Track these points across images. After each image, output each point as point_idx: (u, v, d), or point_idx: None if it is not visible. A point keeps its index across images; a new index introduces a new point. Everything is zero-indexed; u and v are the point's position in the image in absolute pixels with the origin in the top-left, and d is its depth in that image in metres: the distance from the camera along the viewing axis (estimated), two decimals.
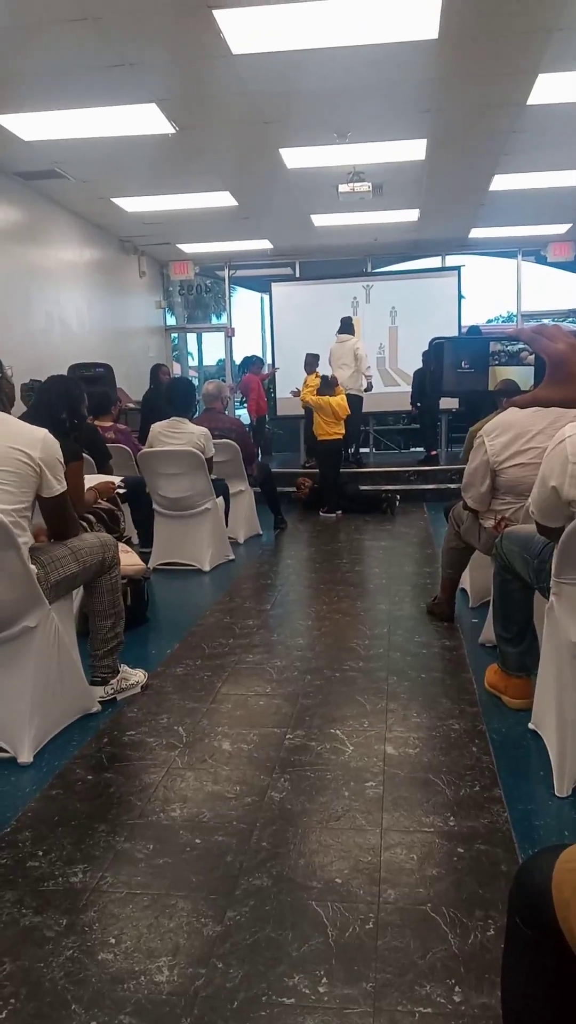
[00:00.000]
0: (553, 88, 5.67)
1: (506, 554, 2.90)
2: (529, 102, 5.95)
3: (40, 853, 2.14)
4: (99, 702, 3.06)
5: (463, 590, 4.36)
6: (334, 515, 7.61)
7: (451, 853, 2.09)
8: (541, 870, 0.98)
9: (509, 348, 1.15)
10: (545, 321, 12.85)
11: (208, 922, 1.85)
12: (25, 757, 2.63)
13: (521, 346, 1.15)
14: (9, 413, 2.75)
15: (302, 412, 9.76)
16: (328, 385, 8.08)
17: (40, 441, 2.64)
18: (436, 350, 1.18)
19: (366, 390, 9.54)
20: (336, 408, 7.83)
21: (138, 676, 3.27)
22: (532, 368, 1.15)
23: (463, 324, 11.47)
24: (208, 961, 1.72)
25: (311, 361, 9.54)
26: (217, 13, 4.44)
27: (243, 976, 1.67)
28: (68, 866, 2.08)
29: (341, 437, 7.95)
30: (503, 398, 1.11)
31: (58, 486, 2.71)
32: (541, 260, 11.89)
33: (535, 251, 11.74)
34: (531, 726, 2.76)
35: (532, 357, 1.15)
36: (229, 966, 1.71)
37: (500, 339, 1.16)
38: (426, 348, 9.72)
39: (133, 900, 1.94)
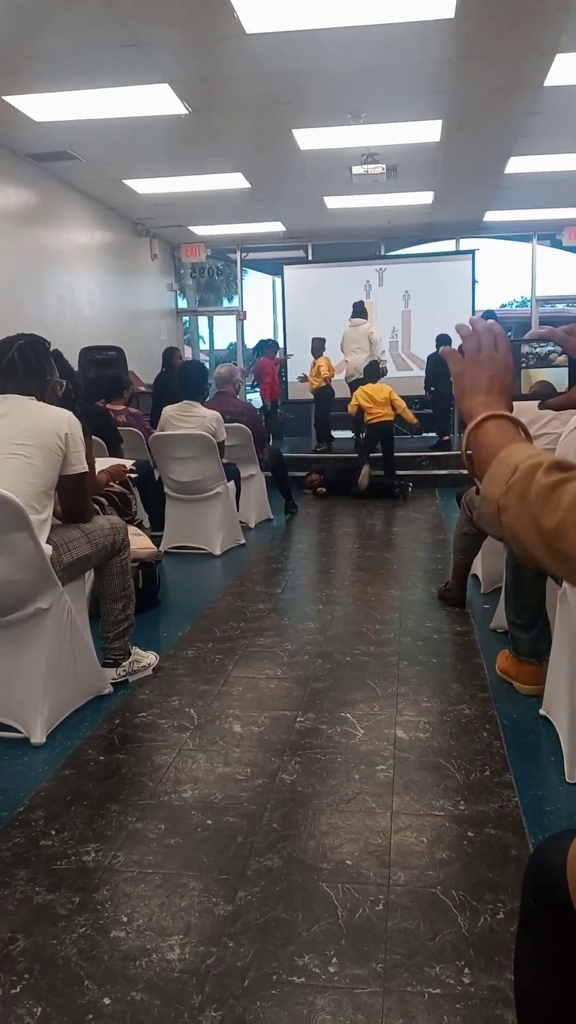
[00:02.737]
0: (571, 69, 5.59)
1: None
2: (546, 83, 5.86)
3: (53, 832, 2.16)
4: (111, 684, 3.08)
5: (475, 576, 4.36)
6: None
7: (461, 837, 2.10)
8: (556, 852, 0.98)
9: (538, 350, 1.13)
10: (560, 305, 12.74)
11: (219, 902, 1.86)
12: (38, 738, 2.65)
13: (551, 347, 1.13)
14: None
15: (312, 397, 9.79)
16: (374, 373, 8.43)
17: (66, 419, 2.72)
18: (433, 365, 1.15)
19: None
20: (372, 395, 8.15)
21: (150, 658, 3.29)
22: (566, 369, 1.13)
23: (477, 308, 11.38)
24: (219, 940, 1.74)
25: (318, 345, 9.55)
26: None
27: (254, 955, 1.69)
28: (81, 845, 2.10)
29: (391, 418, 8.21)
30: (538, 401, 1.09)
31: (80, 465, 2.75)
32: (556, 244, 11.77)
33: (551, 235, 11.63)
34: (542, 712, 2.76)
35: (563, 358, 1.12)
36: (240, 945, 1.72)
37: (529, 341, 1.14)
38: (440, 333, 9.71)
39: (145, 879, 1.95)
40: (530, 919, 1.03)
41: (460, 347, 1.10)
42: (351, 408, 8.44)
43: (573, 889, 0.93)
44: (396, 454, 8.37)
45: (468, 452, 1.01)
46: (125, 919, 1.81)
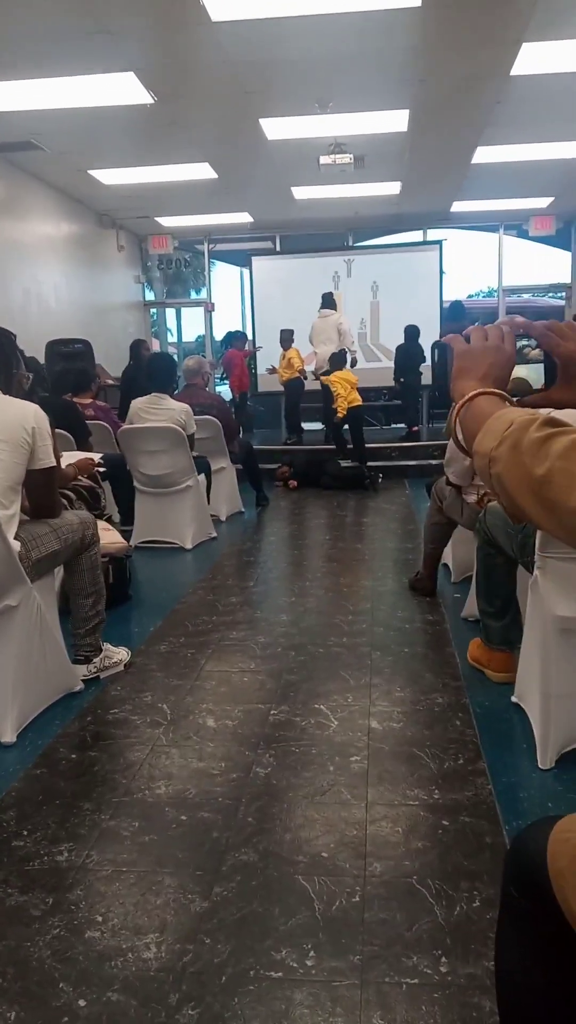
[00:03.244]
0: (537, 58, 5.61)
1: (490, 528, 2.90)
2: (513, 72, 5.88)
3: (25, 832, 2.13)
4: (82, 680, 3.04)
5: (445, 565, 4.37)
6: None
7: (436, 826, 2.11)
8: (536, 840, 0.98)
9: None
10: (526, 295, 12.84)
11: (195, 898, 1.85)
12: (8, 737, 2.61)
13: (526, 342, 1.13)
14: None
15: (282, 389, 9.75)
16: (339, 361, 8.65)
17: (33, 412, 2.68)
18: (440, 352, 1.15)
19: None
20: (346, 382, 8.42)
21: (121, 654, 3.25)
22: (543, 366, 1.13)
23: (444, 299, 11.43)
24: (196, 937, 1.72)
25: (286, 337, 9.51)
26: None
27: (231, 951, 1.68)
28: (53, 845, 2.07)
29: (361, 403, 8.60)
30: (515, 398, 1.09)
31: (47, 459, 2.71)
32: (523, 234, 11.85)
33: (517, 225, 11.70)
34: (514, 699, 2.77)
35: (536, 352, 1.13)
36: (217, 941, 1.71)
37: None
38: (408, 324, 9.73)
39: (119, 878, 1.93)
40: (510, 906, 1.03)
41: (465, 334, 1.11)
42: (329, 381, 8.61)
43: (553, 876, 0.93)
44: (366, 446, 8.42)
45: (455, 423, 1.05)
46: (100, 919, 1.79)
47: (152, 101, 6.24)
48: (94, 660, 3.11)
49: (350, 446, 8.49)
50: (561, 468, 0.82)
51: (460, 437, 1.06)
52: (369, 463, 8.17)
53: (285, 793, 2.30)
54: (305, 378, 9.34)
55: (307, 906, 1.81)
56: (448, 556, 4.31)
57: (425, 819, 2.14)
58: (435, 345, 1.17)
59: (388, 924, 1.74)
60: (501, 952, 1.09)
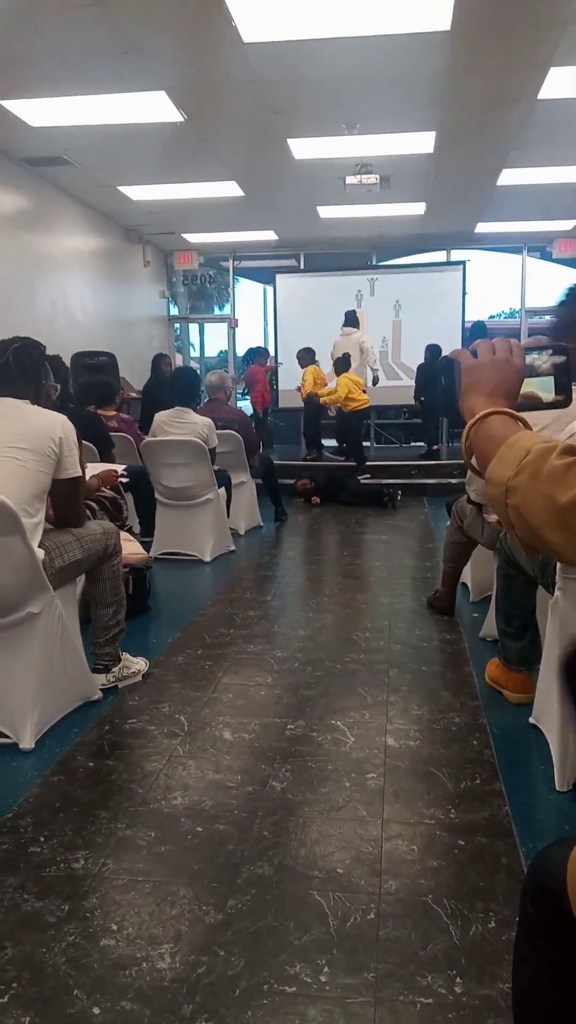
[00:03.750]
0: (565, 82, 5.63)
1: (510, 548, 2.89)
2: (540, 96, 5.91)
3: (42, 839, 2.15)
4: (101, 690, 3.06)
5: (464, 584, 4.36)
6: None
7: (452, 845, 2.10)
8: (556, 861, 0.98)
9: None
10: (548, 317, 12.81)
11: (209, 910, 1.85)
12: (27, 743, 2.63)
13: (535, 355, 1.12)
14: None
15: (302, 405, 9.80)
16: (344, 364, 8.88)
17: (61, 423, 2.72)
18: (446, 368, 1.12)
19: (372, 384, 9.53)
20: (351, 382, 8.77)
21: (139, 664, 3.27)
22: (552, 378, 1.12)
23: (467, 319, 11.45)
24: (210, 949, 1.73)
25: (303, 356, 9.53)
26: (228, 0, 4.41)
27: (245, 964, 1.68)
28: (69, 852, 2.08)
29: (367, 405, 8.95)
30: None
31: (73, 470, 2.74)
32: (547, 256, 11.85)
33: (541, 247, 11.71)
34: (532, 720, 2.76)
35: (547, 365, 1.12)
36: (231, 954, 1.71)
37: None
38: (430, 342, 9.74)
39: (135, 887, 1.94)
40: (529, 926, 1.03)
41: (471, 349, 1.10)
42: (328, 399, 8.95)
43: (573, 896, 0.93)
44: (386, 463, 8.47)
45: (467, 444, 1.03)
46: (115, 927, 1.80)
47: (182, 119, 6.33)
48: (113, 670, 3.13)
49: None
50: None
51: (472, 458, 1.05)
52: (388, 480, 8.18)
53: (301, 808, 2.30)
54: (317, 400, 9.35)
55: (322, 921, 1.80)
56: (467, 575, 4.30)
57: (441, 838, 2.14)
58: (442, 360, 1.15)
59: (403, 942, 1.74)
60: (518, 972, 1.09)
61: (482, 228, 10.86)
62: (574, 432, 2.18)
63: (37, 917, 1.83)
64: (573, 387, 1.15)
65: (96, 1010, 1.56)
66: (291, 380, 10.61)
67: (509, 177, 8.22)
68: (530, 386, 1.11)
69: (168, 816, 2.26)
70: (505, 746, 2.67)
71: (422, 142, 7.07)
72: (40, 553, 2.65)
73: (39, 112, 6.13)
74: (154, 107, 6.04)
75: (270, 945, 1.73)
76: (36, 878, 1.98)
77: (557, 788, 2.37)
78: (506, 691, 3.04)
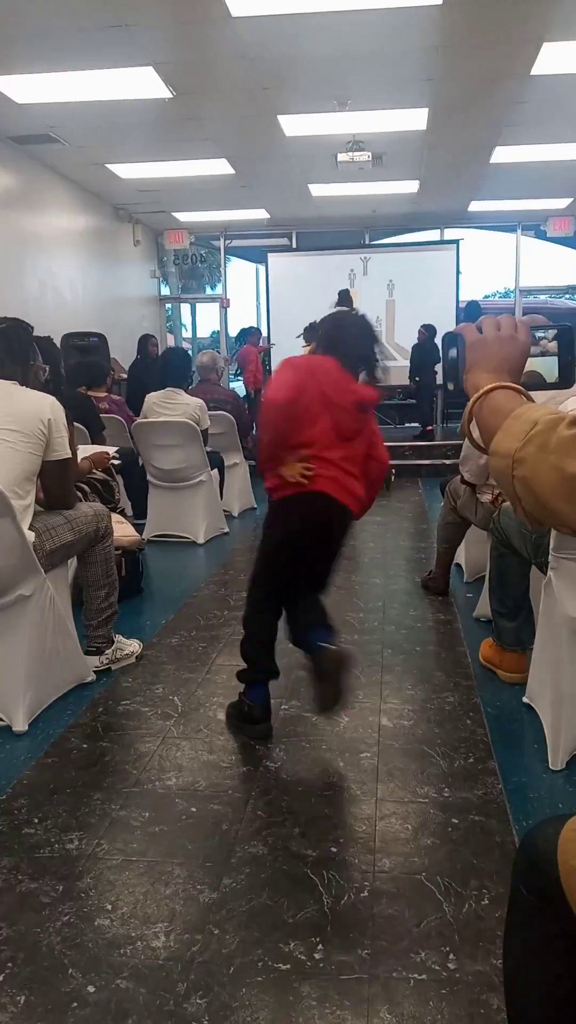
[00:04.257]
0: (558, 58, 5.57)
1: (504, 528, 2.89)
2: (533, 72, 5.84)
3: (36, 820, 2.15)
4: (94, 672, 3.06)
5: (458, 565, 4.37)
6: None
7: (445, 824, 2.11)
8: (547, 838, 0.98)
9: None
10: (543, 297, 12.78)
11: (204, 889, 1.86)
12: (20, 725, 2.63)
13: (540, 334, 1.11)
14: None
15: None
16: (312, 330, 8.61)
17: (50, 404, 2.70)
18: (450, 343, 1.12)
19: None
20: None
21: (133, 646, 3.27)
22: (556, 358, 1.11)
23: (461, 299, 11.39)
24: (204, 927, 1.73)
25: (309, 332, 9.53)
26: None
27: (239, 942, 1.68)
28: (64, 833, 2.09)
29: None
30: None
31: (63, 451, 2.72)
32: (541, 235, 11.79)
33: (535, 226, 11.64)
34: (525, 700, 2.77)
35: (552, 344, 1.11)
36: (225, 932, 1.72)
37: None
38: (424, 323, 9.70)
39: (129, 867, 1.94)
40: (519, 904, 1.03)
41: (477, 325, 1.09)
42: None
43: (564, 874, 0.93)
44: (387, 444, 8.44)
45: (471, 418, 1.03)
46: (109, 907, 1.80)
47: (171, 96, 6.24)
48: (106, 652, 3.13)
49: None
50: None
51: (475, 434, 1.04)
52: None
53: (295, 787, 2.30)
54: None
55: (316, 900, 1.81)
56: (461, 555, 4.30)
57: (435, 816, 2.14)
58: (447, 336, 1.15)
59: (396, 920, 1.75)
60: (510, 950, 1.09)
61: (476, 206, 10.79)
62: (570, 410, 2.17)
63: (32, 898, 1.84)
64: None
65: (91, 988, 1.56)
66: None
67: (503, 155, 8.16)
68: (533, 365, 1.10)
69: (162, 797, 2.26)
70: (499, 725, 2.67)
71: (415, 119, 7.00)
72: (31, 535, 2.63)
73: (25, 89, 6.04)
74: (142, 83, 5.96)
75: (264, 923, 1.74)
76: (30, 859, 1.98)
77: (550, 767, 2.38)
78: (500, 671, 3.05)
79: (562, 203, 10.55)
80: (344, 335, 2.63)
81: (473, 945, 1.66)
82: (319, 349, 2.71)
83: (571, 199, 10.32)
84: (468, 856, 1.96)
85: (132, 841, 2.05)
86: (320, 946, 1.67)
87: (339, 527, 2.67)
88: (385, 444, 2.80)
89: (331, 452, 2.53)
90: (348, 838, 2.05)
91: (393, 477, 7.79)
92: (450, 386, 1.14)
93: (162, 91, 6.14)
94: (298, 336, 9.71)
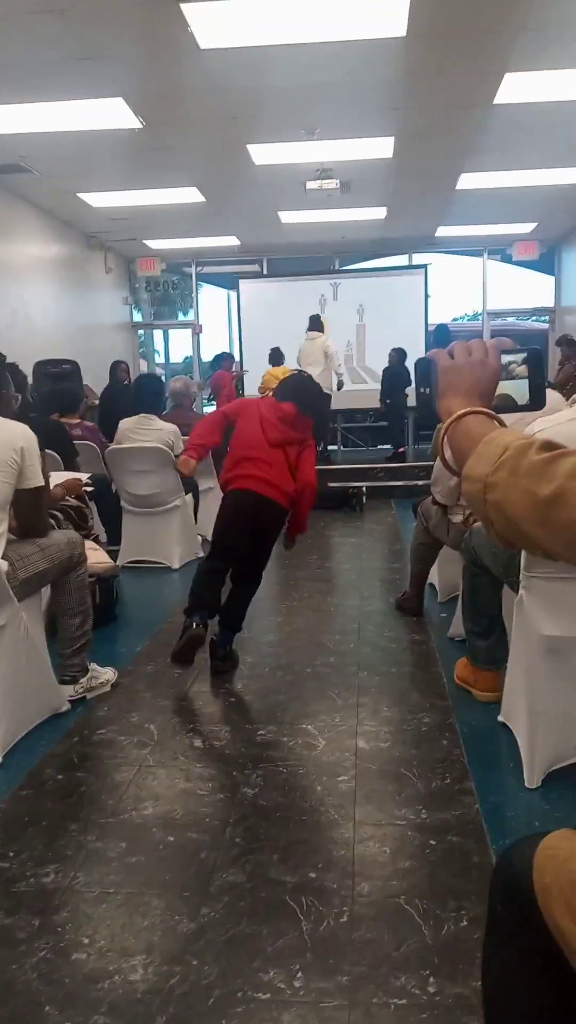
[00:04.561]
0: (520, 87, 5.72)
1: (475, 548, 2.92)
2: (496, 101, 5.99)
3: (11, 854, 2.12)
4: (69, 701, 3.03)
5: (431, 585, 4.39)
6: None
7: (423, 845, 2.11)
8: (523, 856, 0.99)
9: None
10: (510, 319, 13.00)
11: (182, 919, 1.84)
12: None
13: (510, 358, 1.13)
14: None
15: None
16: (276, 357, 9.40)
17: (22, 433, 2.69)
18: (423, 369, 1.14)
19: (337, 388, 9.57)
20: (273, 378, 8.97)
21: (108, 674, 3.24)
22: (527, 382, 1.14)
23: (430, 322, 11.54)
24: (183, 958, 1.71)
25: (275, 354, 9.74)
26: (184, 7, 4.41)
27: (218, 972, 1.67)
28: (39, 866, 2.06)
29: None
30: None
31: (36, 479, 2.71)
32: (507, 259, 12.01)
33: (501, 250, 11.86)
34: (500, 719, 2.78)
35: (522, 368, 1.13)
36: (204, 963, 1.70)
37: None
38: (394, 347, 9.82)
39: (106, 899, 1.92)
40: (497, 924, 1.04)
41: (448, 350, 1.11)
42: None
43: (539, 892, 0.94)
44: (352, 466, 8.48)
45: (443, 443, 1.05)
46: (86, 941, 1.78)
47: (141, 126, 6.32)
48: (81, 680, 3.10)
49: None
50: (574, 488, 0.83)
51: (448, 456, 1.06)
52: (355, 483, 8.21)
53: (272, 813, 2.29)
54: None
55: (295, 926, 1.80)
56: (434, 576, 4.33)
57: (412, 839, 2.14)
58: (419, 361, 1.17)
59: (376, 944, 1.74)
60: (488, 969, 1.09)
61: (443, 232, 10.98)
62: (535, 432, 2.21)
63: (7, 933, 1.81)
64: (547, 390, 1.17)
65: None
66: (256, 382, 10.65)
67: (468, 181, 8.33)
68: (505, 388, 1.12)
69: (139, 826, 2.24)
70: (475, 745, 2.69)
71: (381, 147, 7.13)
72: (3, 564, 2.61)
73: None
74: (112, 114, 6.03)
75: (243, 952, 1.73)
76: (6, 894, 1.95)
77: (527, 785, 2.39)
78: (475, 690, 3.06)
79: (527, 227, 10.77)
80: (284, 388, 3.63)
81: (453, 967, 1.66)
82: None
83: (536, 224, 10.55)
84: (446, 877, 1.96)
85: (109, 873, 2.03)
86: (300, 973, 1.66)
87: (264, 514, 3.42)
88: (316, 469, 3.60)
89: (260, 454, 3.39)
90: (327, 863, 2.04)
91: (364, 499, 7.84)
92: (419, 411, 1.16)
93: (132, 121, 6.21)
94: (270, 361, 9.89)
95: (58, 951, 1.75)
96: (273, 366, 9.75)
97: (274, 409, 3.48)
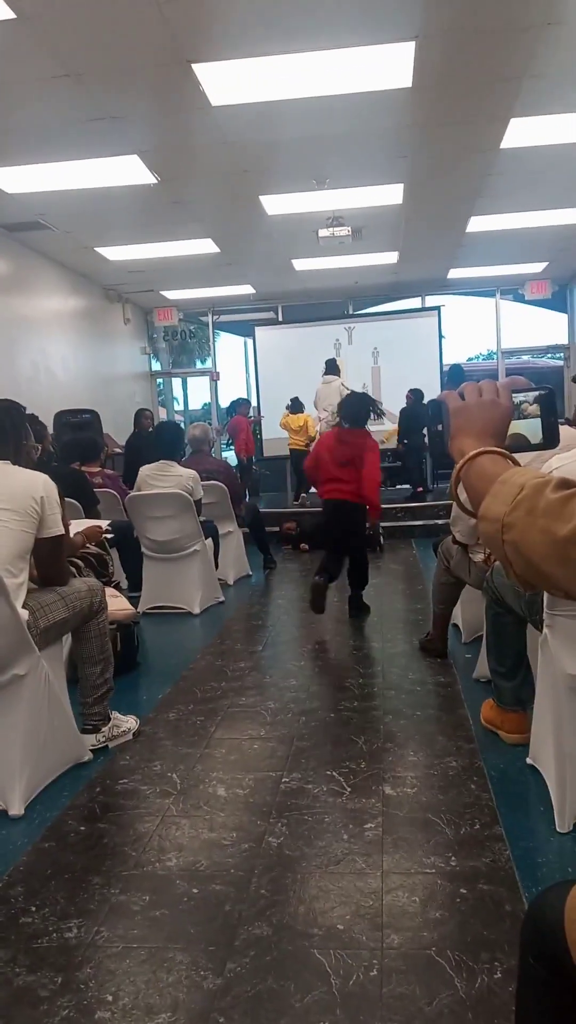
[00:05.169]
0: (525, 132, 5.83)
1: (497, 587, 2.89)
2: (503, 146, 6.10)
3: (33, 908, 2.08)
4: (91, 750, 3.01)
5: (455, 625, 4.35)
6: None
7: (454, 894, 2.05)
8: (553, 907, 0.96)
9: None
10: (524, 357, 13.07)
11: (208, 975, 1.80)
12: (16, 809, 2.57)
13: (522, 398, 1.13)
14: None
15: (287, 453, 10.04)
16: (296, 407, 10.02)
17: (42, 482, 2.72)
18: (435, 411, 1.15)
19: None
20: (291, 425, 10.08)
21: (130, 723, 3.22)
22: (539, 420, 1.13)
23: (444, 363, 11.62)
24: (209, 1016, 1.67)
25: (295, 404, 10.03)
26: (196, 67, 4.56)
27: None
28: (62, 921, 2.02)
29: (302, 447, 9.76)
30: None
31: (56, 528, 2.73)
32: (519, 298, 12.10)
33: (513, 289, 11.96)
34: (529, 761, 2.73)
35: (534, 407, 1.13)
36: (231, 1020, 1.65)
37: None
38: (410, 388, 9.90)
39: (130, 954, 1.88)
40: (530, 976, 1.00)
41: (459, 391, 1.12)
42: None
43: (572, 942, 0.91)
44: None
45: (457, 484, 1.05)
46: (110, 998, 1.74)
47: (155, 181, 6.49)
48: (102, 729, 3.08)
49: None
50: None
51: (463, 498, 1.06)
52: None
53: (298, 863, 2.25)
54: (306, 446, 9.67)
55: (323, 981, 1.75)
56: (458, 616, 4.29)
57: (443, 887, 2.09)
58: (430, 404, 1.18)
59: (407, 999, 1.69)
60: (520, 1022, 1.05)
61: (455, 273, 11.10)
62: (552, 470, 2.20)
63: (29, 991, 1.77)
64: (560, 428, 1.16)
65: None
66: (275, 430, 10.79)
67: (478, 224, 8.44)
68: (517, 428, 1.12)
69: (163, 879, 2.20)
70: (503, 788, 2.63)
71: (391, 194, 7.26)
72: (24, 614, 2.62)
73: (15, 179, 6.26)
74: (128, 171, 6.19)
75: (271, 1009, 1.68)
76: (28, 950, 1.92)
77: (558, 829, 2.33)
78: (502, 732, 3.01)
79: (538, 267, 10.87)
80: (346, 407, 5.19)
81: (487, 1022, 1.60)
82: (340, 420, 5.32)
83: (546, 263, 10.64)
84: (478, 928, 1.91)
85: (133, 927, 1.99)
86: None
87: (345, 510, 4.98)
88: (371, 479, 4.92)
89: (333, 473, 4.96)
90: (355, 914, 1.99)
91: (382, 540, 7.81)
92: (432, 452, 1.16)
93: (147, 177, 6.38)
94: (287, 407, 10.09)
95: (81, 1009, 1.71)
96: (292, 413, 10.00)
97: (334, 437, 5.11)
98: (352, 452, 4.89)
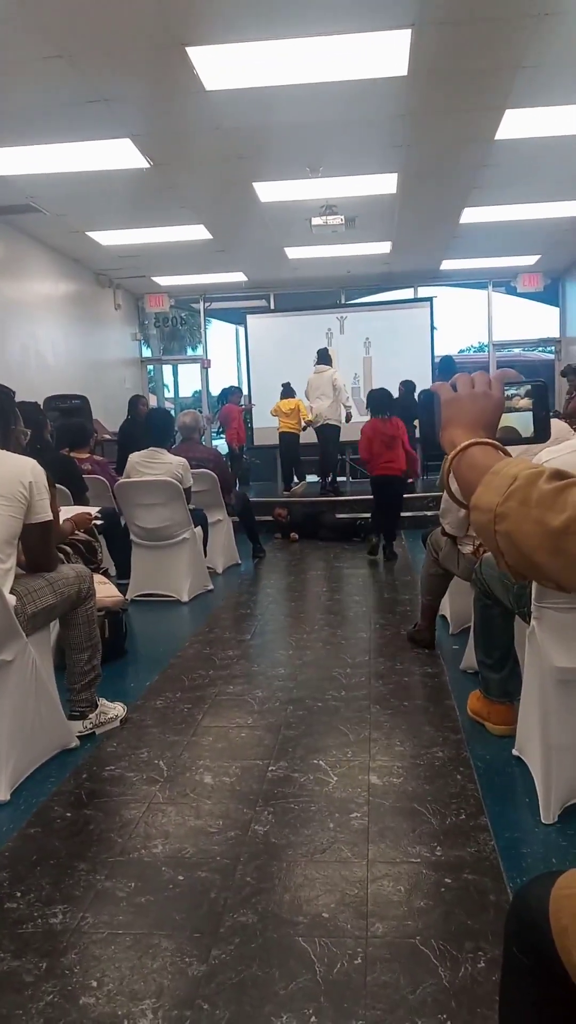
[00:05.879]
0: (520, 123, 5.81)
1: (486, 579, 2.90)
2: (497, 137, 6.08)
3: (18, 894, 2.08)
4: (77, 737, 3.00)
5: (443, 617, 4.36)
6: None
7: (439, 883, 2.06)
8: (537, 897, 0.96)
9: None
10: (516, 350, 13.07)
11: (192, 962, 1.80)
12: (2, 795, 2.57)
13: (513, 391, 1.13)
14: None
15: (277, 441, 10.03)
16: (287, 392, 10.01)
17: (30, 467, 2.70)
18: (427, 401, 1.15)
19: (346, 420, 9.62)
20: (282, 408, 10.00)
21: (117, 710, 3.22)
22: (531, 414, 1.13)
23: (436, 354, 11.61)
24: (193, 1002, 1.67)
25: (286, 389, 9.99)
26: (191, 50, 4.51)
27: (229, 1017, 1.63)
28: (47, 907, 2.02)
29: (294, 430, 9.87)
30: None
31: (44, 514, 2.71)
32: (511, 291, 12.10)
33: (505, 282, 11.96)
34: (515, 752, 2.74)
35: (525, 401, 1.13)
36: (215, 1007, 1.66)
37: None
38: (402, 379, 9.89)
39: (115, 940, 1.88)
40: (514, 966, 1.01)
41: (451, 383, 1.11)
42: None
43: (556, 933, 0.92)
44: (361, 497, 8.51)
45: (448, 474, 1.05)
46: (95, 984, 1.74)
47: (148, 166, 6.43)
48: (89, 716, 3.08)
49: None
50: None
51: (454, 488, 1.06)
52: (364, 515, 8.21)
53: (284, 851, 2.25)
54: (303, 429, 9.67)
55: (308, 969, 1.76)
56: (446, 607, 4.30)
57: (427, 877, 2.10)
58: (422, 394, 1.18)
59: (391, 987, 1.70)
60: (505, 1013, 1.06)
61: (447, 265, 11.08)
62: (542, 463, 2.20)
63: (14, 976, 1.77)
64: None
65: None
66: (265, 419, 10.75)
67: (471, 215, 8.42)
68: (508, 421, 1.12)
69: (148, 865, 2.20)
70: (489, 779, 2.64)
71: (385, 183, 7.23)
72: (12, 599, 2.61)
73: (6, 161, 6.20)
74: (120, 154, 6.14)
75: (255, 996, 1.68)
76: (12, 935, 1.92)
77: (543, 820, 2.34)
78: (488, 723, 3.02)
79: (530, 260, 10.86)
80: (372, 401, 6.82)
81: (470, 1011, 1.61)
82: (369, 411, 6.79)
83: (539, 256, 10.64)
84: (462, 917, 1.92)
85: (118, 913, 1.99)
86: (313, 1018, 1.62)
87: (393, 483, 6.69)
88: (410, 452, 6.78)
89: (383, 452, 6.57)
90: (340, 903, 2.00)
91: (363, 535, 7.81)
92: (424, 442, 1.16)
93: (140, 161, 6.33)
94: (282, 393, 10.07)
95: (66, 995, 1.71)
96: (283, 399, 9.99)
97: (375, 425, 6.63)
98: (392, 431, 6.59)
